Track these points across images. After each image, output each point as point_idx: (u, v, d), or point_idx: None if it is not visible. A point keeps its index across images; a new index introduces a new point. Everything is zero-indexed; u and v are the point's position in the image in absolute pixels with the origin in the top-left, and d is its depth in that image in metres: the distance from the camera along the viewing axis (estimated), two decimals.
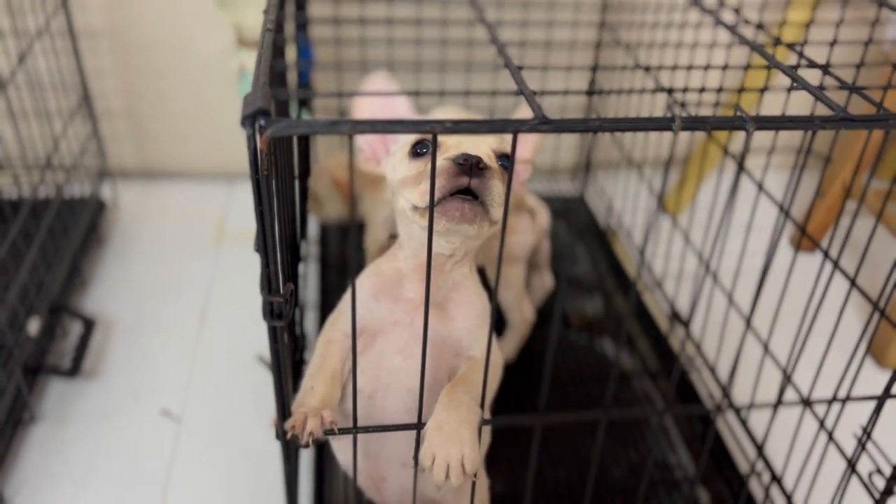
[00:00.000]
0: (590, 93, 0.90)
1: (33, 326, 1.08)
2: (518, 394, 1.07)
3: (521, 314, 1.09)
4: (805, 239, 1.48)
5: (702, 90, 0.77)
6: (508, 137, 0.63)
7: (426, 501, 0.74)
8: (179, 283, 1.37)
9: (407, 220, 0.65)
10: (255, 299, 1.15)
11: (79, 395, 1.13)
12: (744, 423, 1.00)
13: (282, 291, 0.50)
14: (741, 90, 0.71)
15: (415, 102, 1.05)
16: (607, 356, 1.19)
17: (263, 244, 0.48)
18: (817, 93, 0.53)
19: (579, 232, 1.47)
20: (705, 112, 1.35)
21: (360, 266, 0.75)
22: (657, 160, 1.62)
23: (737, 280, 0.97)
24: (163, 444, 1.07)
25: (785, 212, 0.79)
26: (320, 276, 1.32)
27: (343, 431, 0.56)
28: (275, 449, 1.06)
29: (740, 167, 0.73)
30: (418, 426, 0.57)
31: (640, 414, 1.07)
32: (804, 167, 0.70)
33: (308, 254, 1.36)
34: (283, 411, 0.56)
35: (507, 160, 0.62)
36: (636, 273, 0.61)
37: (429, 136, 0.61)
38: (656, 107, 1.32)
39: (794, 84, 0.57)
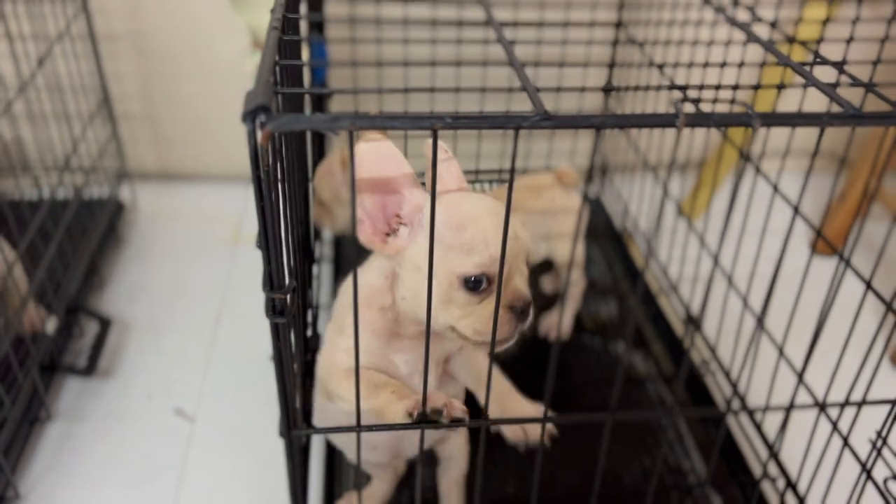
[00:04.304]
0: (606, 90, 0.89)
1: (50, 326, 1.09)
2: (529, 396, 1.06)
3: (580, 289, 1.20)
4: (823, 242, 1.46)
5: (717, 87, 0.76)
6: (529, 242, 0.63)
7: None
8: (195, 285, 1.38)
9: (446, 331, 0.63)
10: None
11: (94, 395, 1.14)
12: (758, 427, 0.98)
13: (284, 288, 0.50)
14: (756, 87, 0.70)
15: (430, 98, 1.05)
16: (621, 359, 1.18)
17: (265, 241, 0.48)
18: (827, 90, 0.52)
19: (595, 235, 1.46)
20: (722, 111, 1.34)
21: None
22: (674, 163, 1.61)
23: (752, 283, 0.96)
24: (176, 444, 1.07)
25: (795, 208, 0.78)
26: (334, 278, 1.32)
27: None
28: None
29: (755, 167, 0.72)
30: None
31: (648, 417, 1.06)
32: (811, 168, 0.69)
33: (322, 255, 1.36)
34: (287, 408, 0.56)
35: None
36: (644, 266, 0.61)
37: (484, 270, 0.58)
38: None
39: (807, 81, 0.56)
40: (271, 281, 0.49)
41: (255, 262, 1.44)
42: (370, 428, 0.58)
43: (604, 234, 1.47)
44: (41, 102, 1.21)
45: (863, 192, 1.38)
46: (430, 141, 0.62)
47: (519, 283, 0.59)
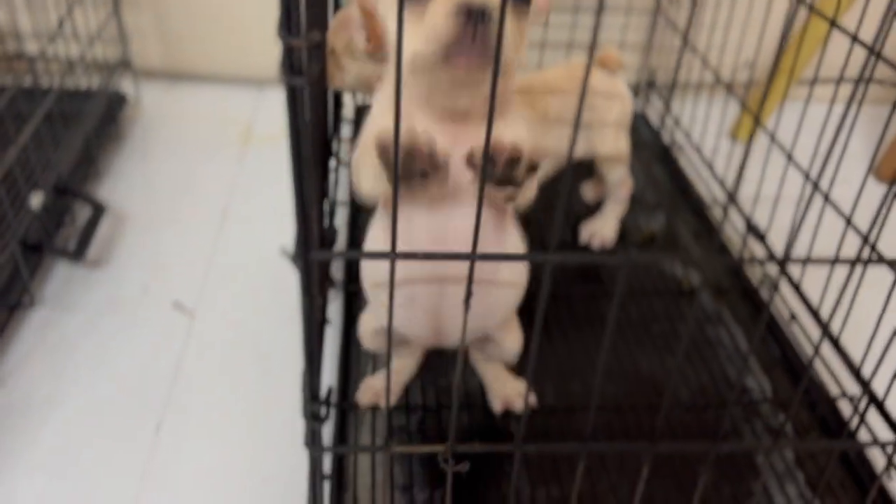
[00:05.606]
0: None
1: (35, 200, 0.97)
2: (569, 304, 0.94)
3: (626, 190, 1.06)
4: (883, 170, 1.34)
5: None
6: None
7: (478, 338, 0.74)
8: (201, 182, 1.26)
9: (413, 72, 0.55)
10: (280, 202, 1.05)
11: (84, 283, 1.03)
12: (836, 342, 0.85)
13: (302, 34, 0.37)
14: None
15: None
16: (668, 272, 1.06)
17: None
18: None
19: (642, 149, 1.32)
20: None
21: None
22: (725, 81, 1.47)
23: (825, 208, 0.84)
24: (173, 338, 0.96)
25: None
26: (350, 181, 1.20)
27: None
28: (291, 346, 0.95)
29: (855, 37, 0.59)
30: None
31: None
32: None
33: (339, 150, 1.24)
34: (305, 223, 0.44)
35: None
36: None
37: None
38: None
39: None
40: (288, 20, 0.36)
41: (265, 163, 1.33)
42: (406, 255, 0.45)
43: (651, 148, 1.34)
44: None
45: None
46: None
47: None
